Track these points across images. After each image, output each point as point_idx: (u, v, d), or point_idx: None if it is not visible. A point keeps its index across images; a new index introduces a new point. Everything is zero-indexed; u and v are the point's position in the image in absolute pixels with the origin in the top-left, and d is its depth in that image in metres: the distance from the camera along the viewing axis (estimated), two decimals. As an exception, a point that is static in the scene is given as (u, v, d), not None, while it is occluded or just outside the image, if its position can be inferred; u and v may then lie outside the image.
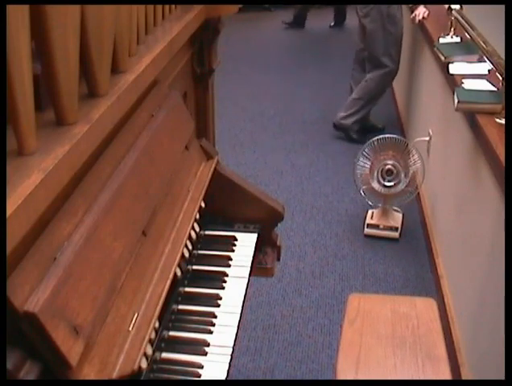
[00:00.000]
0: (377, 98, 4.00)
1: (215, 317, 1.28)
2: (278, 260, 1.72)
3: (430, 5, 3.42)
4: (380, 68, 3.82)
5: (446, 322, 2.29)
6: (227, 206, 1.61)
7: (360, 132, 4.05)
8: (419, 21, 3.36)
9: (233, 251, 1.51)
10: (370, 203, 3.10)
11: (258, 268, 1.62)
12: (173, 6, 1.64)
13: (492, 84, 2.07)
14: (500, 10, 1.93)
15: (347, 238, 3.07)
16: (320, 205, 3.38)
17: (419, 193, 3.16)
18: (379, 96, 3.99)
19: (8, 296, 0.75)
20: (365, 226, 3.07)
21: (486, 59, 2.16)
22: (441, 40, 2.72)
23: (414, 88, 3.85)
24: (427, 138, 3.10)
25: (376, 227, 3.05)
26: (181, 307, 1.30)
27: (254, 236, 1.58)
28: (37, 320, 0.77)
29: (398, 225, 3.05)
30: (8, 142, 0.81)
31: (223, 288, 1.38)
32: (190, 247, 1.37)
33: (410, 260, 2.88)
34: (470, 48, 2.41)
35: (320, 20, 7.45)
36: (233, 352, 1.19)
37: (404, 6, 3.90)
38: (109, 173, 1.08)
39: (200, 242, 1.51)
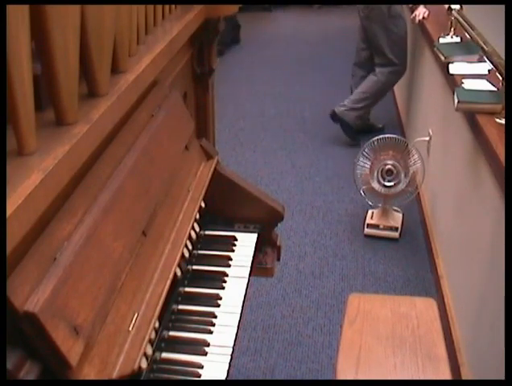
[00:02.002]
0: (383, 95, 3.98)
1: (215, 317, 1.28)
2: (278, 260, 1.72)
3: (430, 5, 3.42)
4: (389, 66, 3.80)
5: (446, 322, 2.29)
6: (227, 206, 1.61)
7: (358, 131, 4.04)
8: (419, 21, 3.36)
9: (233, 251, 1.51)
10: (370, 203, 3.10)
11: (258, 268, 1.62)
12: (173, 6, 1.64)
13: (492, 84, 2.08)
14: (500, 10, 1.93)
15: (347, 238, 3.07)
16: (320, 205, 3.38)
17: (419, 193, 3.16)
18: (385, 93, 3.97)
19: (8, 296, 0.75)
20: (365, 226, 3.07)
21: (486, 59, 2.16)
22: (441, 40, 2.72)
23: (414, 88, 3.85)
24: (427, 138, 3.10)
25: (376, 227, 3.05)
26: (181, 307, 1.30)
27: (254, 236, 1.58)
28: (37, 320, 0.77)
29: (398, 225, 3.05)
30: (8, 142, 0.81)
31: (223, 288, 1.38)
32: (190, 247, 1.38)
33: (410, 260, 2.88)
34: (470, 48, 2.41)
35: (324, 20, 7.45)
36: (233, 352, 1.19)
37: (404, 6, 3.89)
38: (109, 173, 1.08)
39: (200, 242, 1.51)
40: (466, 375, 2.05)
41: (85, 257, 0.91)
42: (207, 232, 1.56)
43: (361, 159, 2.98)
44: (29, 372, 0.77)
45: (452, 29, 2.71)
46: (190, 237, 1.37)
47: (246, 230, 1.60)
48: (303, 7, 7.88)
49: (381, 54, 3.80)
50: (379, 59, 3.84)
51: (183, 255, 1.28)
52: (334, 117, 3.98)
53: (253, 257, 1.52)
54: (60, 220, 0.92)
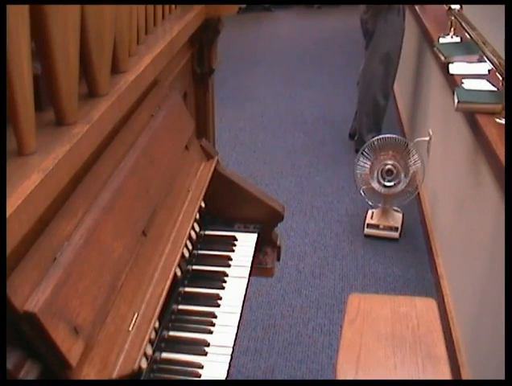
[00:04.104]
0: (377, 109, 3.79)
1: (215, 317, 1.28)
2: (278, 260, 1.72)
3: (430, 5, 3.42)
4: (370, 84, 3.69)
5: (446, 322, 2.29)
6: (227, 206, 1.61)
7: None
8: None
9: (233, 251, 1.51)
10: (370, 203, 3.10)
11: (258, 268, 1.62)
12: (173, 6, 1.64)
13: (492, 84, 2.07)
14: (500, 10, 1.93)
15: (347, 238, 3.07)
16: (320, 205, 3.38)
17: (419, 193, 3.16)
18: (379, 109, 3.79)
19: (8, 296, 0.75)
20: (365, 226, 3.07)
21: (486, 59, 2.16)
22: (441, 40, 2.72)
23: (414, 88, 3.85)
24: (427, 138, 3.10)
25: (376, 227, 3.05)
26: (181, 307, 1.30)
27: (254, 236, 1.58)
28: (37, 320, 0.77)
29: (398, 225, 3.05)
30: (8, 142, 0.81)
31: (223, 288, 1.38)
32: (190, 247, 1.37)
33: (410, 260, 2.88)
34: (470, 48, 2.41)
35: (324, 20, 7.46)
36: (233, 352, 1.19)
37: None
38: (109, 173, 1.08)
39: (200, 242, 1.51)
40: (466, 375, 2.05)
41: (85, 257, 0.91)
42: (207, 232, 1.56)
43: (361, 159, 2.98)
44: (29, 372, 0.77)
45: (452, 29, 2.71)
46: (190, 237, 1.37)
47: (246, 230, 1.60)
48: (302, 7, 7.88)
49: (370, 58, 3.66)
50: (369, 64, 3.68)
51: (183, 255, 1.28)
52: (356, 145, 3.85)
53: (253, 257, 1.52)
54: (60, 220, 0.92)
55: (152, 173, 1.22)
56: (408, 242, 3.03)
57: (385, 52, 3.59)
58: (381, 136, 2.95)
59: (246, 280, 1.42)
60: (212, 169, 1.53)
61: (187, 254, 1.35)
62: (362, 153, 2.97)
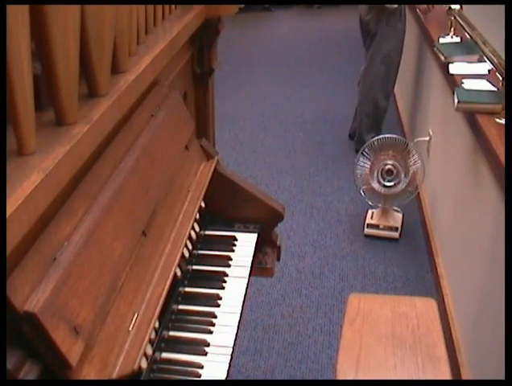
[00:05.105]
0: (378, 110, 3.78)
1: (215, 317, 1.28)
2: (278, 260, 1.72)
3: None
4: (374, 81, 3.69)
5: (446, 322, 2.29)
6: (227, 206, 1.61)
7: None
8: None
9: (233, 251, 1.51)
10: (370, 203, 3.10)
11: (258, 268, 1.62)
12: (173, 6, 1.64)
13: (492, 84, 2.08)
14: (500, 10, 1.93)
15: (347, 238, 3.07)
16: (320, 205, 3.38)
17: (419, 193, 3.16)
18: (380, 109, 3.78)
19: (8, 296, 0.75)
20: (365, 226, 3.07)
21: (486, 59, 2.16)
22: (441, 40, 2.72)
23: (414, 88, 3.85)
24: (427, 138, 3.10)
25: (376, 227, 3.05)
26: (181, 307, 1.30)
27: (254, 236, 1.58)
28: (37, 320, 0.77)
29: (398, 225, 3.05)
30: (8, 142, 0.81)
31: (223, 288, 1.38)
32: (190, 247, 1.38)
33: (410, 260, 2.88)
34: (470, 48, 2.41)
35: (323, 20, 7.46)
36: (233, 352, 1.19)
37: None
38: (109, 173, 1.08)
39: (200, 242, 1.51)
40: (466, 375, 2.05)
41: (85, 257, 0.91)
42: (207, 232, 1.56)
43: (361, 159, 2.98)
44: (29, 372, 0.77)
45: (452, 29, 2.71)
46: (190, 237, 1.37)
47: (246, 230, 1.60)
48: (302, 7, 7.88)
49: (372, 58, 3.66)
50: (370, 65, 3.68)
51: (183, 255, 1.28)
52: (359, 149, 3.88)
53: (253, 257, 1.52)
54: (60, 220, 0.92)
55: (152, 173, 1.22)
56: (408, 242, 3.03)
57: (386, 53, 3.60)
58: (381, 136, 2.95)
59: (246, 280, 1.42)
60: (212, 169, 1.53)
61: (187, 254, 1.35)
62: (362, 153, 2.97)
